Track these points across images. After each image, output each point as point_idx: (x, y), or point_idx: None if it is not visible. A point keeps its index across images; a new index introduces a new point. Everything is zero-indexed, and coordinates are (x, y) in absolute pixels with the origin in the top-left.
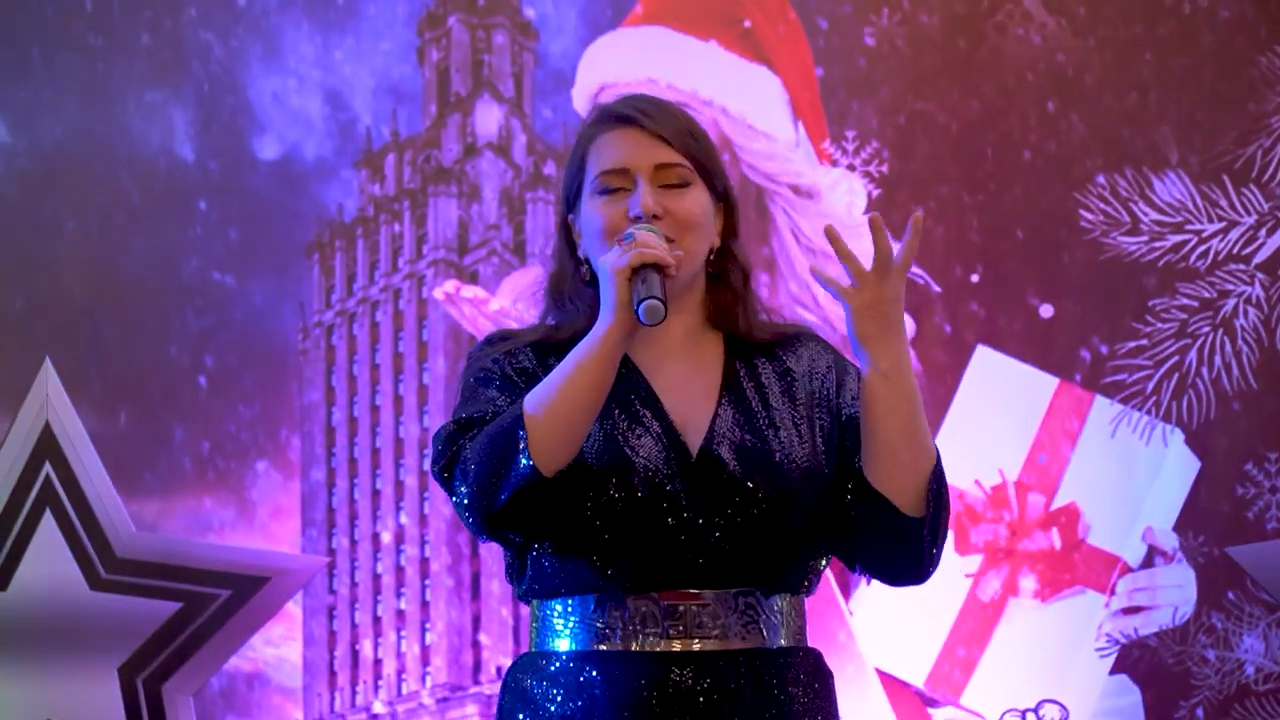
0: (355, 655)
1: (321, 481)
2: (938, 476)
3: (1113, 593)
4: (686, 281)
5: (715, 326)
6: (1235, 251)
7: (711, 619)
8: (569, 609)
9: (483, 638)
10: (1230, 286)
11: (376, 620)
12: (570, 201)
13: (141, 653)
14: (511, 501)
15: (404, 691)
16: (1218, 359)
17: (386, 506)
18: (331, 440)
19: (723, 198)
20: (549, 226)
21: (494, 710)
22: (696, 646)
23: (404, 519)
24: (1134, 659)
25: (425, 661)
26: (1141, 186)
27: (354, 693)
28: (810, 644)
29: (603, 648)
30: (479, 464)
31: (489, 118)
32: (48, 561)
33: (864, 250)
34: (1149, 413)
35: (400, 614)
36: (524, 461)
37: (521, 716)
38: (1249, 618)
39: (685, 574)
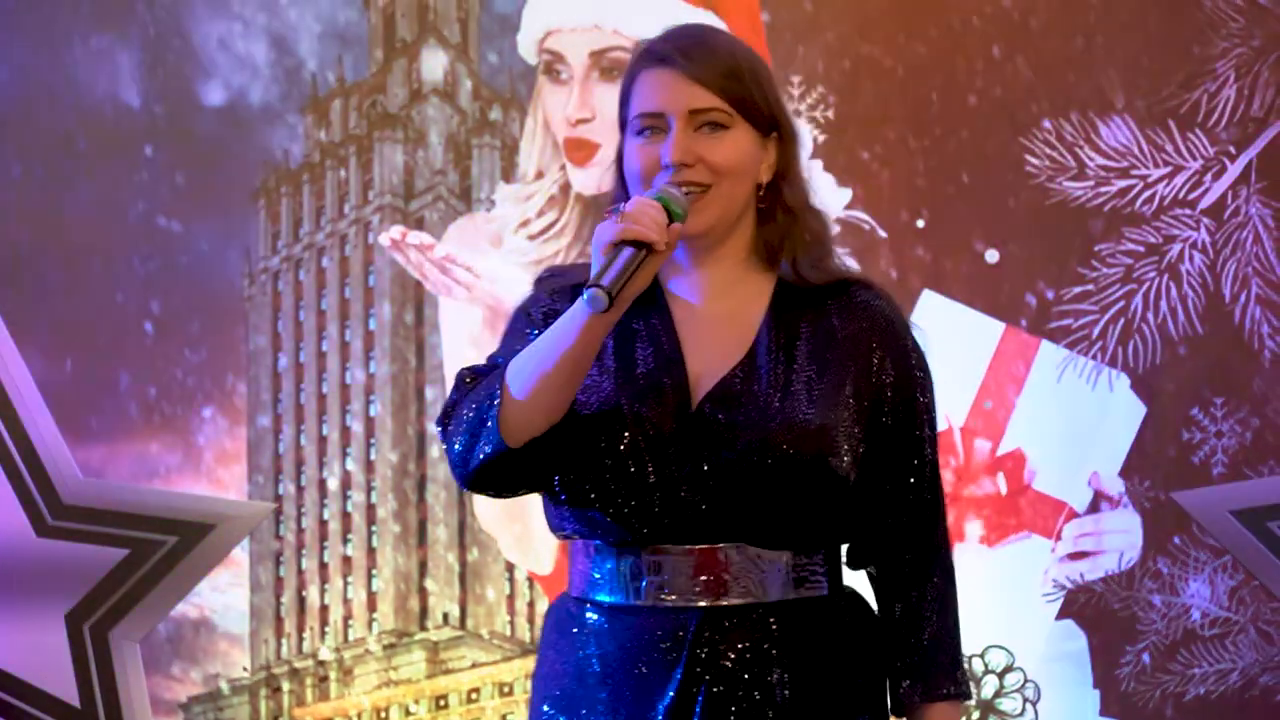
0: (302, 601)
1: (268, 427)
2: None
3: (1059, 538)
4: (730, 223)
5: (768, 265)
6: (1181, 196)
7: (690, 575)
8: (599, 558)
9: (429, 584)
10: (1176, 231)
11: (323, 566)
12: (621, 130)
13: (88, 599)
14: (483, 468)
15: (350, 638)
16: (1163, 304)
17: (333, 453)
18: (278, 386)
19: (773, 132)
20: (495, 172)
21: (439, 656)
22: (669, 602)
23: (350, 465)
24: (1080, 604)
25: (372, 608)
26: (1087, 131)
27: (301, 639)
28: None
29: (636, 602)
30: (459, 426)
31: (435, 63)
32: None
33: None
34: (1095, 358)
35: (347, 560)
36: (492, 434)
37: (552, 655)
38: (1195, 563)
39: (675, 529)
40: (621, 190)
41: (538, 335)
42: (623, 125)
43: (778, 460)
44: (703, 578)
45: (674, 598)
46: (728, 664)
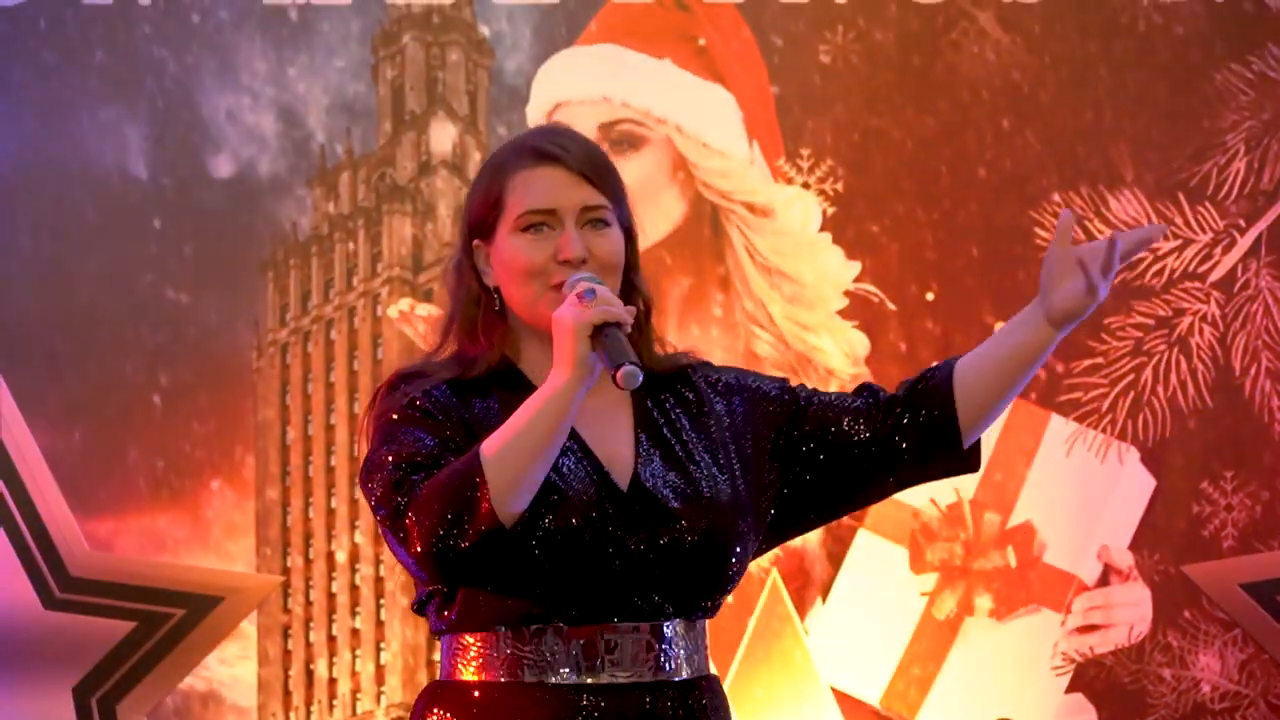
0: (310, 674)
1: (276, 500)
2: None
3: (1068, 611)
4: None
5: None
6: (1190, 269)
7: (641, 651)
8: (498, 641)
9: (437, 657)
10: (1185, 304)
11: (331, 639)
12: (479, 230)
13: (96, 672)
14: (471, 551)
15: (359, 711)
16: (1173, 377)
17: (341, 525)
18: (286, 459)
19: (628, 231)
20: None
21: None
22: (622, 678)
23: (359, 538)
24: (1090, 677)
25: (380, 681)
26: (1097, 204)
27: (309, 712)
28: (766, 664)
29: (526, 680)
30: (436, 513)
31: (443, 135)
32: (1, 580)
33: (820, 268)
34: (1104, 431)
35: (355, 633)
36: (485, 513)
37: None
38: (1205, 636)
39: (620, 607)
40: (481, 289)
41: (444, 424)
42: (485, 225)
43: (721, 534)
44: (650, 654)
45: (625, 674)
46: None
